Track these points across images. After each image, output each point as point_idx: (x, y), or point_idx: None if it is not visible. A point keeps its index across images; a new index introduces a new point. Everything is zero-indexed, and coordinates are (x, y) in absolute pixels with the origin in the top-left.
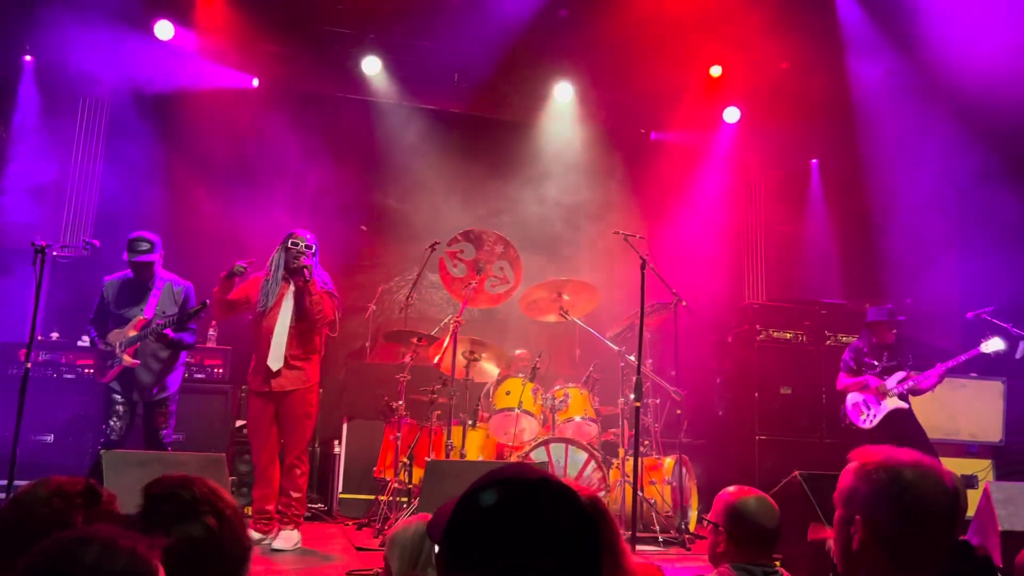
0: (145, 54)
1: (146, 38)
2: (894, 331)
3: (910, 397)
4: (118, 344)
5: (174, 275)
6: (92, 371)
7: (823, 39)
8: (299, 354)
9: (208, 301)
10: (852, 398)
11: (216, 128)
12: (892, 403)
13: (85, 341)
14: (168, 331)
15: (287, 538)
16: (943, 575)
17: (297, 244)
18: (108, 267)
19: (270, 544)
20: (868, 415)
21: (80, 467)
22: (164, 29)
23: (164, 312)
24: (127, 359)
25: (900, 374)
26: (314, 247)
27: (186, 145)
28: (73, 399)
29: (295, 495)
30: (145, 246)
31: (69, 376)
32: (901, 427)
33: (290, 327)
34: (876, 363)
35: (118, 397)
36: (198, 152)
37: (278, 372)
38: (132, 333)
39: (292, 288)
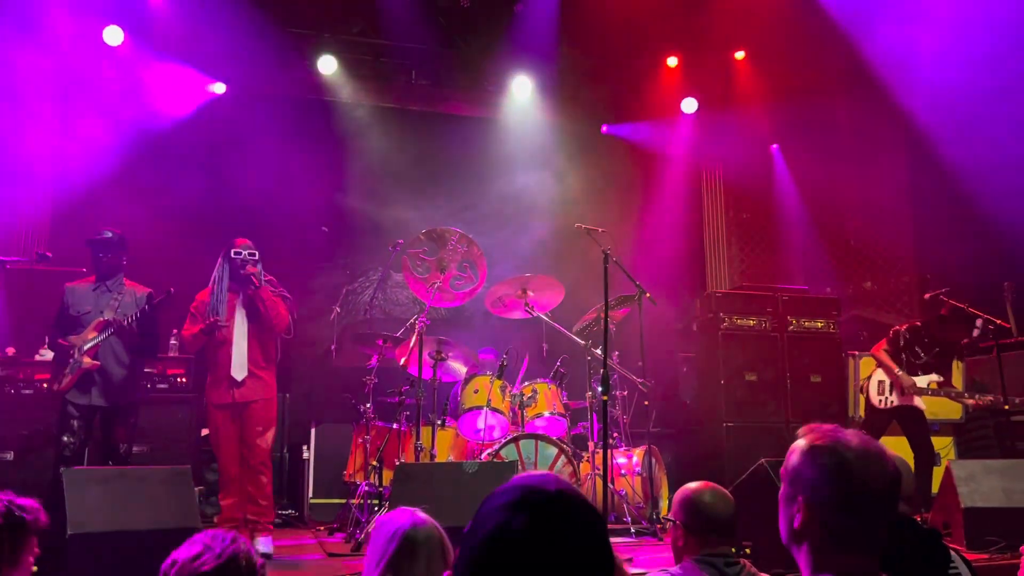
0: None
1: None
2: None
3: None
4: (77, 348)
5: (136, 283)
6: (49, 380)
7: (780, 27)
8: (260, 362)
9: (172, 290)
10: (878, 374)
11: (177, 132)
12: (911, 399)
13: (43, 355)
14: (134, 327)
15: (265, 544)
16: (888, 550)
17: (240, 253)
18: (64, 278)
19: None
20: (886, 398)
21: (41, 484)
22: (113, 35)
23: (126, 314)
24: (87, 361)
25: (934, 376)
26: (257, 254)
27: (145, 151)
28: (32, 415)
29: (263, 503)
30: (109, 235)
31: (27, 392)
32: (906, 420)
33: (248, 336)
34: (923, 355)
35: (73, 410)
36: (159, 157)
37: (242, 382)
38: (92, 335)
39: (241, 297)
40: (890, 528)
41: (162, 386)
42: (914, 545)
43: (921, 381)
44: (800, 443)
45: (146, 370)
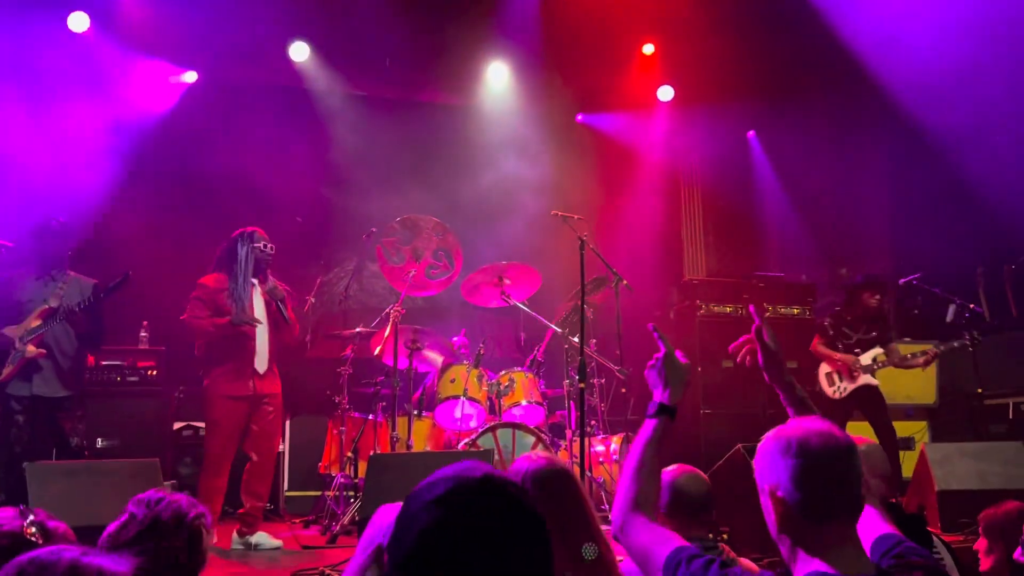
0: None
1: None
2: (876, 298)
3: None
4: (18, 337)
5: (81, 274)
6: None
7: (754, 12)
8: (276, 356)
9: (130, 273)
10: (824, 367)
11: (145, 120)
12: (864, 379)
13: None
14: (81, 314)
15: (270, 538)
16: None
17: (266, 248)
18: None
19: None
20: (839, 387)
21: (2, 480)
22: (79, 21)
23: (71, 303)
24: (31, 349)
25: (877, 350)
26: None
27: (112, 139)
28: None
29: (265, 495)
30: (56, 225)
31: None
32: (864, 402)
33: (268, 329)
34: (852, 335)
35: (15, 405)
36: (126, 147)
37: (264, 375)
38: (36, 323)
39: (257, 288)
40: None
41: (132, 379)
42: (897, 528)
43: (865, 359)
44: (762, 442)
45: (115, 363)
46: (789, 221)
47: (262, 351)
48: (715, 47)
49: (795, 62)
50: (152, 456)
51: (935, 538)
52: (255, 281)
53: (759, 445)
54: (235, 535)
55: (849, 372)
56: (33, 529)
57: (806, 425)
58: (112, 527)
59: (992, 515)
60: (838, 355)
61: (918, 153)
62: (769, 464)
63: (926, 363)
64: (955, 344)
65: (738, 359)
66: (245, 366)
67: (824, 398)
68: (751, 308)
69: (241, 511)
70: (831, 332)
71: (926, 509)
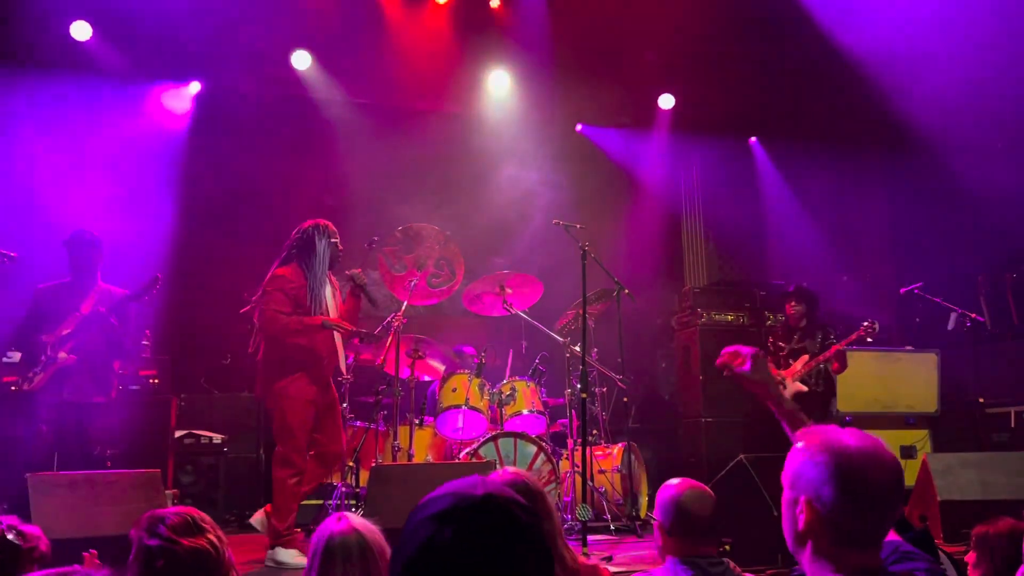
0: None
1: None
2: (798, 309)
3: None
4: (50, 345)
5: (112, 285)
6: (19, 382)
7: (756, 21)
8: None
9: (159, 277)
10: None
11: (147, 128)
12: (792, 387)
13: (11, 357)
14: (113, 319)
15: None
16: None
17: (337, 242)
18: (27, 281)
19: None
20: None
21: (7, 490)
22: (81, 30)
23: (101, 311)
24: (62, 356)
25: (804, 358)
26: None
27: (111, 148)
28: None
29: None
30: (88, 236)
31: None
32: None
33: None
34: (784, 346)
35: (44, 411)
36: (124, 155)
37: (338, 374)
38: (67, 331)
39: (329, 284)
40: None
41: (134, 387)
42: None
43: (797, 366)
44: (799, 445)
45: (118, 371)
46: (790, 228)
47: (340, 352)
48: (716, 55)
49: (796, 70)
50: (154, 465)
51: (942, 554)
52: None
53: (803, 446)
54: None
55: (783, 382)
56: (11, 535)
57: (864, 444)
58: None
59: (985, 531)
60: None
61: (919, 161)
62: (815, 474)
63: (836, 364)
64: (853, 337)
65: (719, 364)
66: (326, 369)
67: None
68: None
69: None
70: (770, 347)
71: (928, 519)
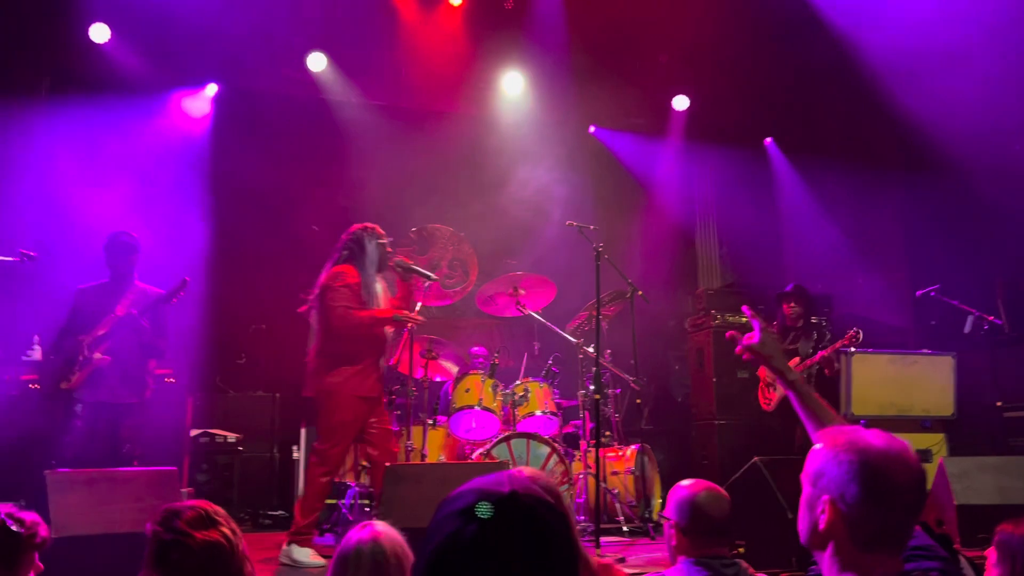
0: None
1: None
2: (796, 309)
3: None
4: (87, 345)
5: (148, 284)
6: (57, 380)
7: (771, 22)
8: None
9: (187, 280)
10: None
11: (165, 130)
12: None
13: (30, 355)
14: (145, 321)
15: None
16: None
17: (385, 243)
18: (47, 279)
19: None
20: (768, 399)
21: (26, 487)
22: (100, 32)
23: (136, 313)
24: (97, 356)
25: (796, 360)
26: None
27: (132, 151)
28: (18, 417)
29: None
30: (124, 237)
31: (12, 393)
32: (789, 411)
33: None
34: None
35: (79, 409)
36: (143, 157)
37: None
38: (102, 331)
39: (378, 283)
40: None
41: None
42: (927, 549)
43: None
44: (821, 445)
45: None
46: (805, 231)
47: (389, 351)
48: (732, 58)
49: (812, 73)
50: (170, 463)
51: (962, 558)
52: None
53: (826, 445)
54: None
55: (768, 381)
56: (11, 523)
57: (891, 445)
58: None
59: (1009, 533)
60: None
61: (935, 164)
62: (839, 473)
63: (827, 369)
64: (838, 345)
65: (728, 336)
66: (376, 365)
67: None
68: (744, 309)
69: (305, 522)
70: None
71: (944, 524)
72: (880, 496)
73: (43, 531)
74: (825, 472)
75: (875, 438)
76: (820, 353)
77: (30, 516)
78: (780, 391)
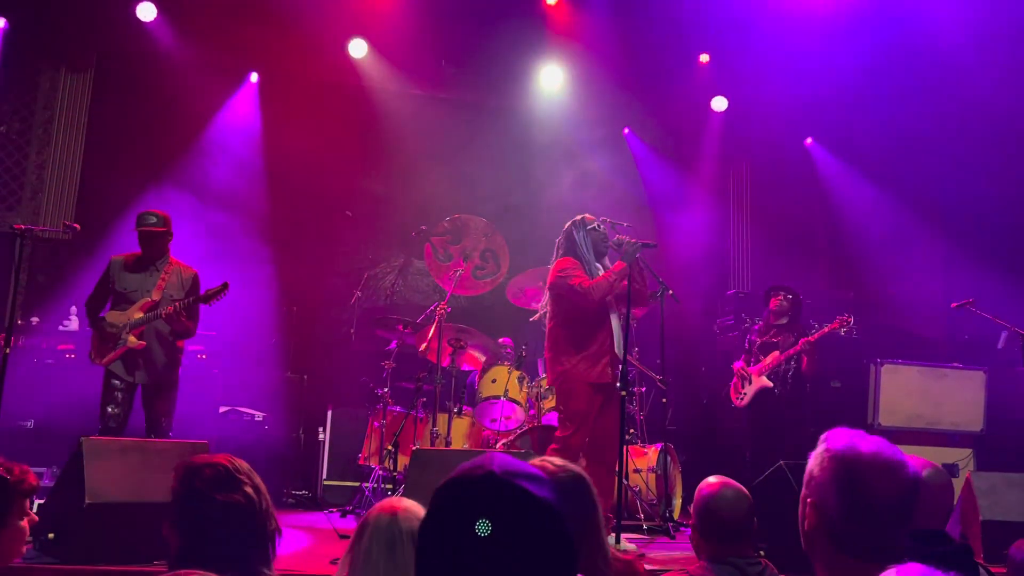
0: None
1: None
2: (783, 305)
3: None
4: (123, 326)
5: (182, 262)
6: (90, 352)
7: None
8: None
9: (228, 283)
10: (735, 384)
11: (204, 112)
12: (757, 383)
13: (67, 325)
14: (183, 316)
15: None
16: (921, 558)
17: (599, 228)
18: (89, 251)
19: None
20: (741, 394)
21: (60, 453)
22: (147, 10)
23: (172, 297)
24: (133, 340)
25: (775, 354)
26: None
27: (172, 133)
28: (54, 385)
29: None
30: (153, 219)
31: (49, 361)
32: (763, 407)
33: (619, 313)
34: (756, 340)
35: (117, 382)
36: (183, 139)
37: (616, 362)
38: (138, 315)
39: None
40: (919, 539)
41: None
42: (943, 559)
43: (766, 362)
44: (818, 447)
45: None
46: (841, 236)
47: (618, 334)
48: (771, 57)
49: (852, 71)
50: (199, 439)
51: (983, 570)
52: (599, 265)
53: (822, 446)
54: None
55: (749, 380)
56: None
57: (879, 453)
58: None
59: (1019, 548)
60: (738, 364)
61: (969, 169)
62: (822, 477)
63: (805, 359)
64: (826, 330)
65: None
66: (607, 350)
67: (735, 410)
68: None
69: None
70: (745, 344)
71: (969, 539)
72: (856, 505)
73: (32, 478)
74: (812, 475)
75: (866, 444)
76: (803, 340)
77: (18, 465)
78: (754, 385)
